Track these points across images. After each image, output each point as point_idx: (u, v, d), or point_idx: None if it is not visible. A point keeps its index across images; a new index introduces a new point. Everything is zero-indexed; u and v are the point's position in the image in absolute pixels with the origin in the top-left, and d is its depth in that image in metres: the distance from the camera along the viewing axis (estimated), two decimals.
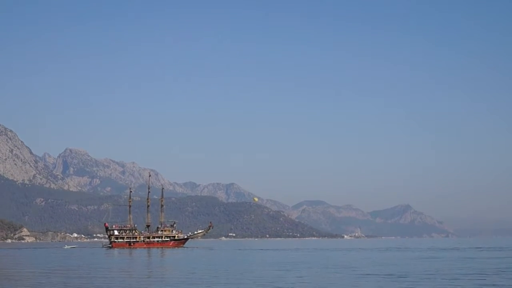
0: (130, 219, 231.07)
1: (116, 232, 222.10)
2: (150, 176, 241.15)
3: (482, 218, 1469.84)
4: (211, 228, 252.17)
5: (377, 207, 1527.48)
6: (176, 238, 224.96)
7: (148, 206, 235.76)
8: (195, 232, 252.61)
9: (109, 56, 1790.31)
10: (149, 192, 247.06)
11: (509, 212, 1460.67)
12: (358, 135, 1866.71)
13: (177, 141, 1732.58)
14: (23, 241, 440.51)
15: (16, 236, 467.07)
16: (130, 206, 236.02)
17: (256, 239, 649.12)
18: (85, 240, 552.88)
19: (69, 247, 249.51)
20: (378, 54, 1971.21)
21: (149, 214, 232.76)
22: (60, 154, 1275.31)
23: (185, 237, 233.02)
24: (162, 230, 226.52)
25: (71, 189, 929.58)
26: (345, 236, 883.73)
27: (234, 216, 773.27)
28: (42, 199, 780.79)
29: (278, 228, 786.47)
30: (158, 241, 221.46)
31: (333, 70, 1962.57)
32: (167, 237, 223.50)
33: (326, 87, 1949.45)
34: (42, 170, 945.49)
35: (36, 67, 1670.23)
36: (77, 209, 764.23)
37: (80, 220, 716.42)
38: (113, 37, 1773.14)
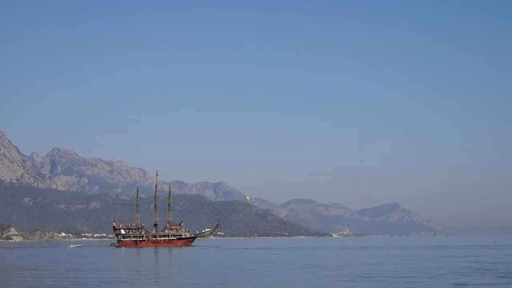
0: (137, 218, 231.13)
1: (123, 231, 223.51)
2: (157, 175, 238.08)
3: (472, 216, 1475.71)
4: (219, 226, 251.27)
5: (365, 205, 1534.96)
6: (183, 237, 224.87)
7: (155, 205, 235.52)
8: (203, 231, 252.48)
9: (96, 56, 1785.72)
10: (156, 191, 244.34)
11: (499, 210, 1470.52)
12: (346, 134, 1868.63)
13: (165, 140, 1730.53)
14: (10, 241, 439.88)
15: (4, 235, 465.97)
16: (137, 205, 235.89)
17: (241, 238, 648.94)
18: (73, 238, 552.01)
19: (74, 246, 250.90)
20: (371, 52, 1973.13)
21: (156, 213, 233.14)
22: (48, 153, 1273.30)
23: (193, 235, 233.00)
24: (169, 229, 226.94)
25: (59, 188, 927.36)
26: (334, 235, 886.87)
27: (223, 215, 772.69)
28: (30, 198, 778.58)
29: (266, 227, 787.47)
30: (165, 240, 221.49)
31: (322, 69, 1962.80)
32: (174, 236, 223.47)
33: (314, 86, 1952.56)
34: (30, 170, 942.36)
35: (23, 66, 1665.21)
36: (65, 208, 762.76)
37: (68, 219, 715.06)
38: (102, 37, 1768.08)
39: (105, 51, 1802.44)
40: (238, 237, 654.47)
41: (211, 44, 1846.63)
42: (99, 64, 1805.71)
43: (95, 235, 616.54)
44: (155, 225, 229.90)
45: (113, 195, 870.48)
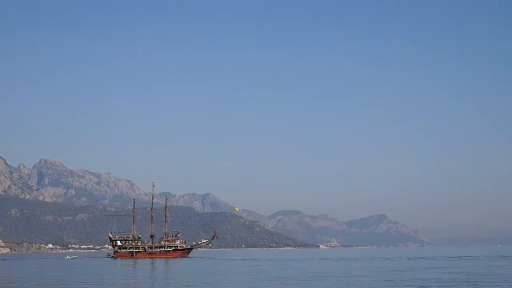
0: (133, 229, 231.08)
1: (119, 243, 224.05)
2: (154, 186, 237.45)
3: (459, 228, 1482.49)
4: (215, 237, 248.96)
5: (353, 216, 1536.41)
6: (179, 248, 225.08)
7: (152, 216, 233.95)
8: (199, 242, 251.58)
9: (82, 68, 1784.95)
10: (152, 202, 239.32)
11: (486, 222, 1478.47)
12: (334, 145, 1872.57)
13: (153, 151, 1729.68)
14: None
15: None
16: (134, 217, 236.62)
17: (226, 249, 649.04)
18: (60, 250, 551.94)
19: (70, 257, 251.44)
20: (353, 59, 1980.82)
21: (153, 224, 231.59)
22: (35, 165, 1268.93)
23: (189, 247, 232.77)
24: (165, 240, 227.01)
25: (46, 200, 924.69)
26: (321, 246, 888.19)
27: (210, 227, 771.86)
28: (17, 210, 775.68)
29: (254, 238, 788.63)
30: (161, 251, 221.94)
31: (310, 79, 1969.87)
32: (170, 247, 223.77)
33: (302, 96, 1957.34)
34: (17, 181, 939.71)
35: (10, 77, 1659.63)
36: (52, 219, 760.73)
37: (55, 231, 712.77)
38: (91, 48, 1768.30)
39: (93, 63, 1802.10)
40: (224, 249, 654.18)
41: (200, 55, 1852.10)
42: (87, 76, 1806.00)
43: (82, 246, 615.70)
44: (152, 236, 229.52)
45: (101, 207, 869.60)
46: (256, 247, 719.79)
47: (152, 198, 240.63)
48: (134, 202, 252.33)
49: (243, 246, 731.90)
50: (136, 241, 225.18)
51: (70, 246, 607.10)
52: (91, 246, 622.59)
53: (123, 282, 73.15)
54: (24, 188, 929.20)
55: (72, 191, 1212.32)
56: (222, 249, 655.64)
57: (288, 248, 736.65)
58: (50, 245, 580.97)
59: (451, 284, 61.26)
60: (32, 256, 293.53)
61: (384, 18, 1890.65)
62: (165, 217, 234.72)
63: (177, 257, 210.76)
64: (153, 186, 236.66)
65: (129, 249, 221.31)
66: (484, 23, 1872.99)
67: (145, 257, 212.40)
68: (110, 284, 70.19)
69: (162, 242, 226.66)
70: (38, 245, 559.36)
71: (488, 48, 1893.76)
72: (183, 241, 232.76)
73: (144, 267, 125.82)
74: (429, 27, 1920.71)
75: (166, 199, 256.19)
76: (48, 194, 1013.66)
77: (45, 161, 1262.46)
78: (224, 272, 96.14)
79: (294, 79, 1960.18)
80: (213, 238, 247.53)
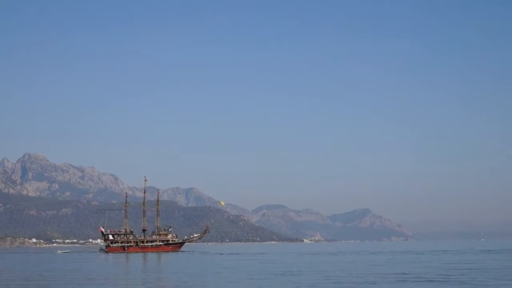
0: (125, 223, 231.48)
1: (111, 237, 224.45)
2: (146, 180, 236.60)
3: (443, 222, 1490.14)
4: (207, 232, 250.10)
5: (337, 211, 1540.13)
6: (170, 242, 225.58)
7: (144, 211, 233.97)
8: (191, 236, 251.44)
9: (66, 62, 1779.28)
10: (144, 197, 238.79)
11: (470, 216, 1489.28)
12: (318, 139, 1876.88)
13: (137, 145, 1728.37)
14: None
15: None
16: (126, 211, 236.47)
17: (209, 244, 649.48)
18: (44, 244, 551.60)
19: (62, 252, 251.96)
20: (340, 57, 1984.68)
21: (145, 219, 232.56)
22: (18, 159, 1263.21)
23: (180, 241, 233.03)
24: (157, 235, 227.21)
25: (30, 194, 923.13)
26: (305, 240, 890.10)
27: (194, 221, 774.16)
28: (0, 204, 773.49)
29: (238, 233, 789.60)
30: (152, 245, 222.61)
31: (294, 76, 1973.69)
32: (161, 241, 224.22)
33: (284, 92, 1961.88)
34: (1, 175, 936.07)
35: None
36: (36, 214, 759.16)
37: (39, 225, 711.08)
38: (66, 44, 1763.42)
39: (76, 58, 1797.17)
40: (207, 243, 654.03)
41: (180, 55, 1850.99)
42: (70, 70, 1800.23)
43: (66, 241, 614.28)
44: (144, 230, 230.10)
45: (84, 201, 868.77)
46: (240, 242, 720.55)
47: (144, 193, 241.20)
48: (126, 197, 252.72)
49: (227, 240, 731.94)
50: (128, 236, 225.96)
51: (54, 240, 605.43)
52: (75, 240, 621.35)
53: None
54: (8, 182, 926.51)
55: (56, 185, 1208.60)
56: (205, 243, 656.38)
57: (272, 242, 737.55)
58: (34, 240, 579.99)
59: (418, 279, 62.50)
60: (20, 251, 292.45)
61: (373, 14, 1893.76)
62: (157, 211, 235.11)
63: (169, 251, 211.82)
64: (145, 180, 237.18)
65: (121, 243, 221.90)
66: (471, 20, 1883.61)
67: (137, 251, 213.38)
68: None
69: (154, 237, 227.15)
70: (22, 239, 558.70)
71: (477, 45, 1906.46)
72: (175, 235, 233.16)
73: (152, 262, 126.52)
74: (419, 23, 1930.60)
75: (158, 193, 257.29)
76: (32, 189, 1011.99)
77: (29, 155, 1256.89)
78: (241, 267, 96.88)
79: (277, 76, 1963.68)
80: (205, 233, 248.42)
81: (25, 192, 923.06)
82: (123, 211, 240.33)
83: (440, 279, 59.90)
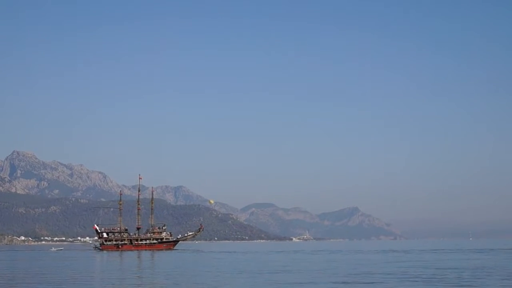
0: (120, 221, 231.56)
1: (105, 235, 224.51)
2: (141, 178, 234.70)
3: (431, 221, 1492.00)
4: (201, 230, 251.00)
5: (326, 209, 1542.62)
6: (164, 240, 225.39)
7: (138, 209, 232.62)
8: (185, 235, 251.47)
9: (55, 60, 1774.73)
10: (139, 195, 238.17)
11: (458, 215, 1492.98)
12: (306, 138, 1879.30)
13: (126, 143, 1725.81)
14: None
15: None
16: (120, 209, 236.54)
17: (196, 242, 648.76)
18: (32, 242, 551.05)
19: (56, 249, 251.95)
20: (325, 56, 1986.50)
21: (139, 217, 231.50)
22: (7, 157, 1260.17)
23: (174, 239, 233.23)
24: (151, 233, 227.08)
25: (18, 192, 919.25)
26: (294, 239, 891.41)
27: (183, 219, 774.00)
28: None
29: (226, 231, 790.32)
30: (146, 243, 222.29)
31: (283, 76, 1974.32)
32: (155, 239, 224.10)
33: (273, 92, 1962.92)
34: None
35: None
36: (24, 212, 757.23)
37: (27, 223, 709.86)
38: (58, 43, 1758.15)
39: (65, 55, 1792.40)
40: (195, 241, 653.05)
41: (172, 56, 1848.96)
42: (58, 68, 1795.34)
43: (55, 238, 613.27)
44: (138, 228, 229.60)
45: (73, 199, 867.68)
46: (229, 240, 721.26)
47: (139, 191, 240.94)
48: (121, 194, 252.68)
49: (215, 238, 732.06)
50: (122, 234, 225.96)
51: (42, 238, 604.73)
52: (64, 238, 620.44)
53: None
54: None
55: (45, 183, 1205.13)
56: (194, 242, 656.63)
57: (261, 241, 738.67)
58: (23, 237, 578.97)
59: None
60: (9, 248, 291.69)
61: (365, 13, 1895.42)
62: (151, 209, 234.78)
63: (162, 250, 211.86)
64: (140, 178, 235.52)
65: (115, 241, 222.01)
66: (467, 21, 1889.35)
67: (131, 249, 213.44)
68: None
69: (148, 235, 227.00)
70: (10, 237, 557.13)
71: (464, 43, 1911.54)
72: (169, 233, 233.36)
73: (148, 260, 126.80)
74: (410, 23, 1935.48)
75: (152, 191, 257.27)
76: (21, 186, 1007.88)
77: (18, 153, 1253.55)
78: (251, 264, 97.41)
79: (270, 76, 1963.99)
80: (199, 231, 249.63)
81: (13, 190, 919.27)
82: (118, 209, 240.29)
83: (420, 278, 60.40)
